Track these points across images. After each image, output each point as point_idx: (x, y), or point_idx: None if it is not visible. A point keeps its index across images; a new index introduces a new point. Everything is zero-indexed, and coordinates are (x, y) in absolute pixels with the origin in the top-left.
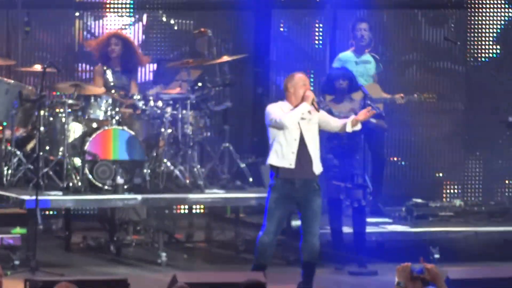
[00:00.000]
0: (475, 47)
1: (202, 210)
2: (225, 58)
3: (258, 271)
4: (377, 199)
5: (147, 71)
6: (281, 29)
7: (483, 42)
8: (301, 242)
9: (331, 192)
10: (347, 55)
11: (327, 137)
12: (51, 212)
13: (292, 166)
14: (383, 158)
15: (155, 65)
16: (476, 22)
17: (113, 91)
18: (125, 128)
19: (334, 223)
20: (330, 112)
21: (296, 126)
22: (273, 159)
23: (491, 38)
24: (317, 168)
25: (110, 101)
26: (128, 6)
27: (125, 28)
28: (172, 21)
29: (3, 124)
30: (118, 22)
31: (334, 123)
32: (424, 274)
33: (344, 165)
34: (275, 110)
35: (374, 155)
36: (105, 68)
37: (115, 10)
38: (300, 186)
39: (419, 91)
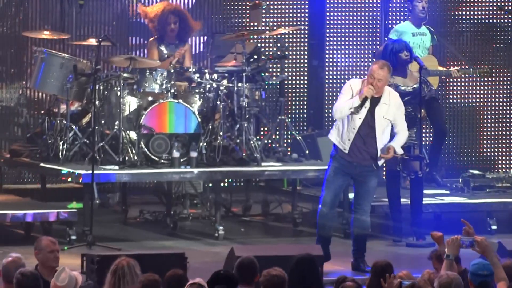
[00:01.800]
0: None
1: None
2: (280, 31)
3: (322, 243)
4: (435, 170)
5: (201, 43)
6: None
7: None
8: (352, 217)
9: (388, 164)
10: (405, 26)
11: None
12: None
13: (346, 151)
14: (444, 129)
15: (209, 38)
16: None
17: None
18: (181, 101)
19: (392, 195)
20: (397, 88)
21: (359, 116)
22: (334, 136)
23: None
24: (379, 160)
25: (165, 74)
26: None
27: None
28: None
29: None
30: None
31: (395, 130)
32: (474, 246)
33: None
34: (344, 90)
35: (434, 126)
36: (160, 40)
37: None
38: (357, 166)
39: (474, 63)
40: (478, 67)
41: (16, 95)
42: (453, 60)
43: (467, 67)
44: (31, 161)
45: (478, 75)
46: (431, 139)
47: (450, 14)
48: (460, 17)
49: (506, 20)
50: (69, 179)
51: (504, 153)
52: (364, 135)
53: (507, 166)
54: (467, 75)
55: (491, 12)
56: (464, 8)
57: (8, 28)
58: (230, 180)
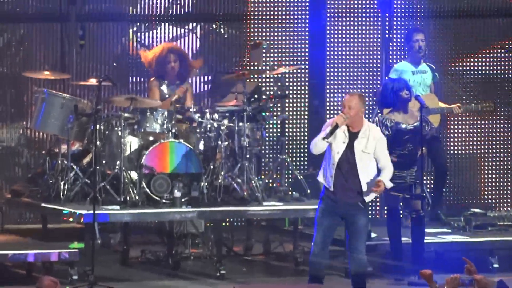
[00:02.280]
0: None
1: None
2: (281, 70)
3: (314, 283)
4: (437, 209)
5: (202, 83)
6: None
7: None
8: (349, 257)
9: (389, 202)
10: (404, 65)
11: (389, 148)
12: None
13: (331, 189)
14: (445, 168)
15: (210, 76)
16: None
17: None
18: (182, 141)
19: (393, 234)
20: (397, 125)
21: (337, 151)
22: (320, 176)
23: None
24: (366, 196)
25: (166, 114)
26: (181, 17)
27: (178, 39)
28: (226, 32)
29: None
30: (171, 33)
31: (379, 165)
32: (473, 285)
33: (403, 176)
34: (324, 127)
35: (435, 165)
36: (161, 80)
37: (169, 21)
38: (343, 205)
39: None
40: (481, 102)
41: (17, 135)
42: (455, 96)
43: (469, 103)
44: (32, 201)
45: (480, 109)
46: (432, 177)
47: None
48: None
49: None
50: (71, 219)
51: (505, 192)
52: (345, 172)
53: (509, 204)
54: (469, 112)
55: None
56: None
57: (8, 68)
58: (231, 219)
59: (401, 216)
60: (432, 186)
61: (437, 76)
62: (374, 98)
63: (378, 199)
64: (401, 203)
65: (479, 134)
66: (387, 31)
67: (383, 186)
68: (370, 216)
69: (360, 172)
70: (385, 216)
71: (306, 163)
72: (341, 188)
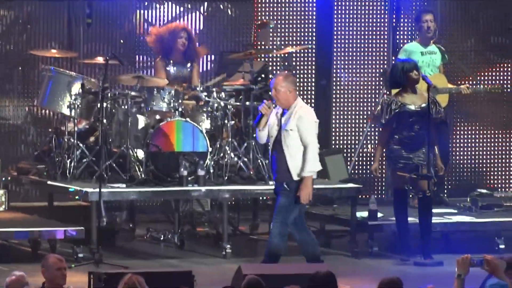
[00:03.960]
0: None
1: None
2: (288, 49)
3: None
4: (441, 192)
5: (209, 61)
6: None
7: None
8: None
9: (396, 183)
10: (413, 45)
11: (395, 129)
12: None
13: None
14: (448, 151)
15: (217, 56)
16: None
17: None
18: (188, 119)
19: (399, 214)
20: (404, 107)
21: (271, 135)
22: None
23: None
24: (296, 175)
25: (172, 92)
26: None
27: (183, 16)
28: (233, 12)
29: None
30: (177, 11)
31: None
32: (483, 265)
33: (410, 157)
34: None
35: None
36: (166, 60)
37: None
38: (276, 185)
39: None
40: (489, 85)
41: (24, 113)
42: (464, 78)
43: (477, 84)
44: (38, 179)
45: (488, 90)
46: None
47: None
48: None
49: None
50: (76, 197)
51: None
52: (276, 153)
53: None
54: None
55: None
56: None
57: (15, 46)
58: (237, 198)
59: (410, 196)
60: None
61: (446, 57)
62: (381, 78)
63: (384, 179)
64: (408, 184)
65: (485, 115)
66: (394, 11)
67: (305, 190)
68: (376, 196)
69: (285, 151)
70: (392, 197)
71: None
72: (275, 168)
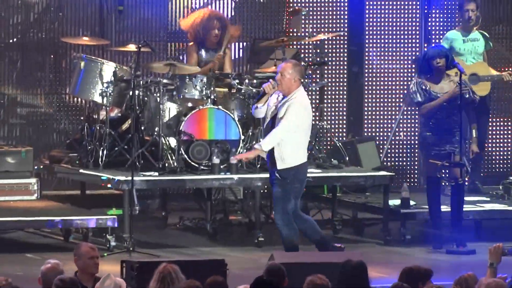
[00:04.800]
0: None
1: None
2: (320, 37)
3: (320, 246)
4: (475, 178)
5: (240, 49)
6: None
7: None
8: None
9: (429, 171)
10: (454, 33)
11: (426, 116)
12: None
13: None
14: (484, 140)
15: (249, 43)
16: None
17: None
18: (221, 107)
19: (432, 202)
20: (428, 92)
21: (267, 116)
22: None
23: None
24: (282, 164)
25: (205, 80)
26: None
27: (214, 3)
28: None
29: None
30: None
31: None
32: None
33: (443, 144)
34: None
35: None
36: (199, 46)
37: None
38: (270, 174)
39: None
40: None
41: (55, 101)
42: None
43: None
44: (70, 167)
45: None
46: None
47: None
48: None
49: None
50: (109, 185)
51: None
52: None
53: None
54: None
55: None
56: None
57: (46, 34)
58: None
59: (443, 184)
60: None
61: (490, 44)
62: (413, 65)
63: (416, 167)
64: (440, 172)
65: None
66: None
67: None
68: (408, 184)
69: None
70: (425, 185)
71: (345, 130)
72: (268, 154)
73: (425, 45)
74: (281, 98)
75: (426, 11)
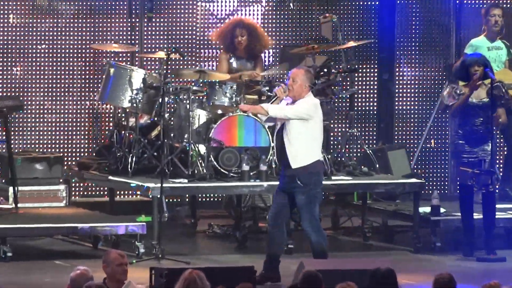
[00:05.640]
0: None
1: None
2: (351, 44)
3: (269, 262)
4: (506, 185)
5: (270, 56)
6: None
7: None
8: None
9: (461, 178)
10: (480, 41)
11: (459, 124)
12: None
13: (278, 163)
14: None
15: (279, 50)
16: None
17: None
18: (251, 114)
19: (464, 209)
20: (467, 98)
21: (278, 123)
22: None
23: None
24: (295, 162)
25: (234, 87)
26: None
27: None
28: (294, 4)
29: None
30: (236, 4)
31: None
32: None
33: (474, 151)
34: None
35: (508, 144)
36: (230, 54)
37: None
38: (282, 179)
39: None
40: None
41: (85, 107)
42: None
43: None
44: (99, 174)
45: None
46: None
47: None
48: None
49: None
50: (138, 192)
51: None
52: (279, 145)
53: None
54: None
55: None
56: None
57: (76, 40)
58: None
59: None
60: (503, 162)
61: (511, 52)
62: (444, 73)
63: (447, 174)
64: (471, 179)
65: None
66: (458, 4)
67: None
68: (439, 191)
69: (286, 144)
70: (455, 192)
71: (375, 137)
72: (280, 161)
73: (455, 52)
74: (290, 103)
75: (457, 18)
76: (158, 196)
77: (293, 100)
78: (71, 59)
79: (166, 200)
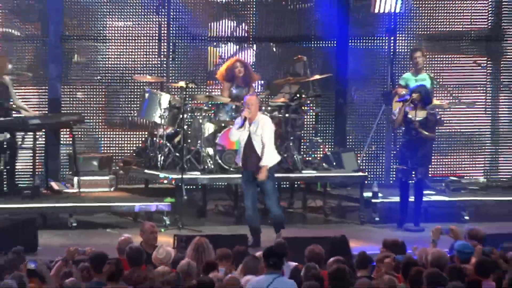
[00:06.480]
0: None
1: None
2: (316, 77)
3: (253, 233)
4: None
5: (260, 85)
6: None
7: None
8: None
9: (398, 173)
10: (408, 74)
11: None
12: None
13: (240, 164)
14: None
15: (266, 81)
16: None
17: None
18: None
19: (402, 195)
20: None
21: (242, 138)
22: (237, 157)
23: None
24: (265, 160)
25: (234, 107)
26: (245, 38)
27: (240, 53)
28: (276, 49)
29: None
30: (234, 49)
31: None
32: (449, 233)
33: (410, 155)
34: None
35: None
36: (230, 83)
37: (233, 41)
38: (251, 173)
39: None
40: (463, 99)
41: (128, 121)
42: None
43: (454, 100)
44: (138, 168)
45: (462, 104)
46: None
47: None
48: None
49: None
50: (165, 181)
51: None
52: (248, 149)
53: (476, 174)
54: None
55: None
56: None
57: (121, 74)
58: (280, 182)
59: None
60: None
61: (434, 82)
62: (382, 98)
63: (383, 170)
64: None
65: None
66: (392, 49)
67: (262, 174)
68: (379, 181)
69: (256, 147)
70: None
71: (333, 143)
72: (247, 162)
73: (390, 83)
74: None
75: (391, 58)
76: (179, 184)
77: (250, 118)
78: (118, 86)
79: (185, 187)
